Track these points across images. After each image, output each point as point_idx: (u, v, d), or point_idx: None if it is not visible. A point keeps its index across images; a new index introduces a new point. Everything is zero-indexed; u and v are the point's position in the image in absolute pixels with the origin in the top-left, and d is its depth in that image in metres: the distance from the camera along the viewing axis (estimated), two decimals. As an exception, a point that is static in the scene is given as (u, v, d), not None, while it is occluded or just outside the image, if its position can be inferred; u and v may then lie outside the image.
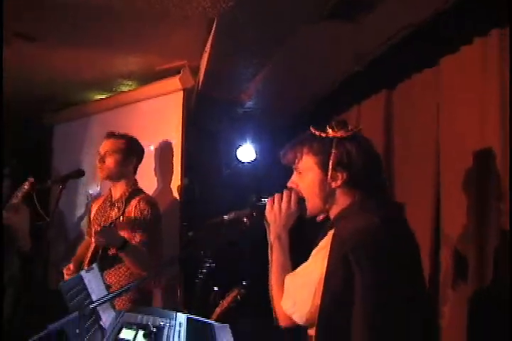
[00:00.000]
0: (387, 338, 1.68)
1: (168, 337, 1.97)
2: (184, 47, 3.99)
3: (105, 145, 3.58)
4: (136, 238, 3.31)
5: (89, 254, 3.43)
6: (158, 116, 4.72)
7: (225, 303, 3.06)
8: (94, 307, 1.79)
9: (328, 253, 1.75)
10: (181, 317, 2.26)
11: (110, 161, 3.52)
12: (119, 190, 3.58)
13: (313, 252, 1.88)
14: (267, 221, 2.06)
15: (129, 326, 1.99)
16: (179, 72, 4.45)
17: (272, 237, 2.05)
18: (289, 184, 2.03)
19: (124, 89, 5.21)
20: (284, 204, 2.01)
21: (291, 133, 2.05)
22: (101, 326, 1.96)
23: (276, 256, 2.04)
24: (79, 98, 5.60)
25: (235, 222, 2.07)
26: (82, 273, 2.16)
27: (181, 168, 4.41)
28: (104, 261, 3.29)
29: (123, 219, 3.40)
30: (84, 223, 5.07)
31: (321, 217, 2.01)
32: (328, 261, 1.74)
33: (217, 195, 4.91)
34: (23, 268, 4.89)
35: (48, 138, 6.16)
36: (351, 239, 1.71)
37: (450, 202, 2.66)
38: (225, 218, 2.08)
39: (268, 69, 3.66)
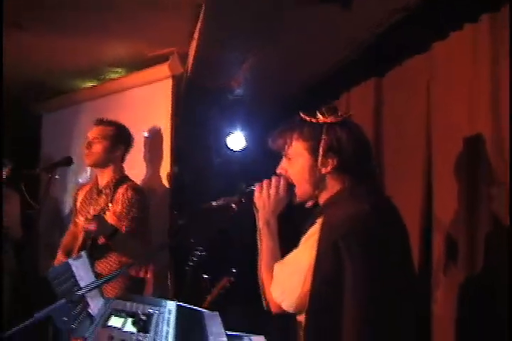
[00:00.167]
0: (378, 325, 1.67)
1: (157, 324, 1.96)
2: (173, 33, 3.96)
3: (93, 132, 3.56)
4: (125, 226, 3.29)
5: (78, 243, 3.41)
6: (147, 104, 4.69)
7: (214, 291, 3.06)
8: (83, 295, 1.77)
9: (317, 241, 1.74)
10: (171, 305, 2.26)
11: (97, 147, 3.49)
12: (105, 177, 3.55)
13: (303, 240, 1.88)
14: (256, 207, 2.05)
15: (118, 313, 1.98)
16: (168, 60, 4.42)
17: (260, 223, 2.05)
18: (279, 170, 2.02)
19: (113, 76, 5.17)
20: (272, 190, 2.00)
21: (281, 121, 2.03)
22: (89, 313, 1.95)
23: (265, 243, 2.04)
24: (68, 86, 5.56)
25: (224, 208, 2.06)
26: (70, 260, 2.15)
27: (171, 155, 4.40)
28: (94, 250, 3.26)
29: (112, 207, 3.39)
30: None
31: (310, 203, 2.00)
32: (318, 249, 1.73)
33: (208, 182, 4.89)
34: (16, 256, 4.89)
35: (38, 126, 6.12)
36: (341, 226, 1.71)
37: (442, 188, 2.66)
38: (213, 204, 2.08)
39: (257, 55, 3.63)
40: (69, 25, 3.83)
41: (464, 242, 2.40)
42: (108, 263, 3.35)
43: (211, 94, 4.74)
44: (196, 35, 3.54)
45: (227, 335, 2.12)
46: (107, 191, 3.48)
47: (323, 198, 1.93)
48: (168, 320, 2.05)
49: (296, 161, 1.94)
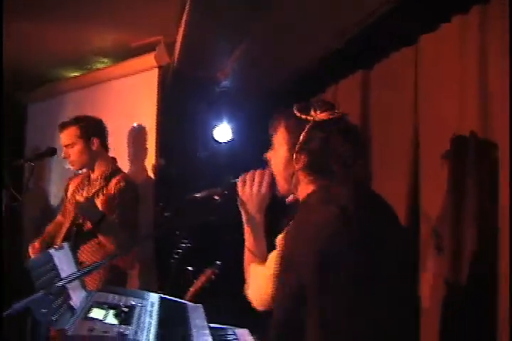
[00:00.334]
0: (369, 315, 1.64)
1: (139, 316, 1.94)
2: (160, 22, 3.92)
3: (62, 140, 3.55)
4: (114, 215, 3.29)
5: (63, 231, 3.42)
6: (133, 94, 4.66)
7: (198, 283, 3.04)
8: (63, 286, 1.74)
9: (277, 253, 1.75)
10: (154, 297, 2.25)
11: (74, 152, 3.50)
12: (97, 169, 3.56)
13: (276, 241, 1.85)
14: (240, 201, 2.03)
15: (100, 305, 1.96)
16: (155, 49, 4.38)
17: (244, 219, 2.03)
18: (267, 156, 1.99)
19: (99, 66, 5.11)
20: (255, 188, 1.98)
21: (268, 113, 1.99)
22: (71, 306, 1.92)
23: (248, 239, 2.02)
24: (53, 76, 5.48)
25: (207, 200, 2.04)
26: (51, 251, 2.12)
27: (156, 147, 4.37)
28: (78, 237, 3.31)
29: (103, 196, 3.39)
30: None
31: (290, 199, 1.96)
32: (278, 261, 1.71)
33: (194, 174, 4.86)
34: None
35: (22, 116, 6.06)
36: (301, 241, 1.67)
37: (429, 183, 2.65)
38: (197, 196, 2.06)
39: (245, 46, 3.60)
40: (54, 14, 3.78)
41: (450, 237, 2.39)
42: (91, 251, 3.35)
43: (198, 85, 4.71)
44: (183, 24, 3.50)
45: (211, 328, 2.11)
46: (100, 182, 3.49)
47: (301, 196, 1.87)
48: (151, 312, 2.04)
49: (277, 151, 1.91)
